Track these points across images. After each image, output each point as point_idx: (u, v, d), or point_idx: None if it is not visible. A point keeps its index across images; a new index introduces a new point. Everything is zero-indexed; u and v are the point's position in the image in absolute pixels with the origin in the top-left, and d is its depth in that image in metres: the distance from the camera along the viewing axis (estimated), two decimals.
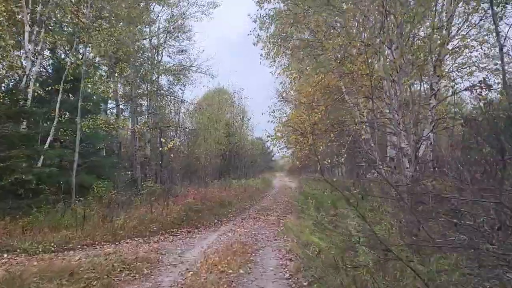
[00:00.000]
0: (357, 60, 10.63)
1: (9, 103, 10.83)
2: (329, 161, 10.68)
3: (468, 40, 11.45)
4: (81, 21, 12.11)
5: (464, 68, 12.54)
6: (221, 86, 27.76)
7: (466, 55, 12.19)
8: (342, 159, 18.37)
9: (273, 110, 13.96)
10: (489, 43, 11.04)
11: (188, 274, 5.58)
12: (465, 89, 11.34)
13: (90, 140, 14.31)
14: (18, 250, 7.35)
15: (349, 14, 9.53)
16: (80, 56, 13.71)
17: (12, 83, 13.02)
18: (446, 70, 12.34)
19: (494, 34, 10.57)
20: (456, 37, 11.94)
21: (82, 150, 15.17)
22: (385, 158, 14.54)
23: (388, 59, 11.00)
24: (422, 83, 12.70)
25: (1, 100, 10.40)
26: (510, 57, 10.15)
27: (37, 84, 13.12)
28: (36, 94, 12.62)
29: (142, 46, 22.37)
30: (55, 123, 12.31)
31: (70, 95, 14.22)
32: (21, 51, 12.39)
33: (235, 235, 9.17)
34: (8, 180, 9.47)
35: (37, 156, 11.87)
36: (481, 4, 9.44)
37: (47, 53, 15.34)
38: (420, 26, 10.38)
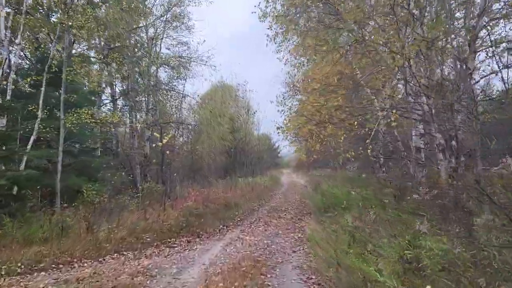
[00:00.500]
0: (380, 35, 8.99)
1: None
2: (352, 153, 9.04)
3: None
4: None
5: (503, 44, 10.78)
6: (224, 79, 26.18)
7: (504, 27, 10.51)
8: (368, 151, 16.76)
9: (283, 97, 12.33)
10: None
11: None
12: (506, 67, 9.68)
13: (78, 137, 12.84)
14: None
15: None
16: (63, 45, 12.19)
17: None
18: (483, 46, 10.66)
19: None
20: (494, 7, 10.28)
21: (70, 149, 13.74)
22: (405, 150, 12.89)
23: (419, 32, 9.33)
24: (456, 62, 11.02)
25: None
26: None
27: (17, 77, 11.66)
28: (17, 87, 11.20)
29: (140, 40, 20.92)
30: (38, 120, 10.80)
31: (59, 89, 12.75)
32: None
33: (244, 246, 7.60)
34: None
35: (17, 158, 10.43)
36: None
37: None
38: None
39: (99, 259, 7.01)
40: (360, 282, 3.80)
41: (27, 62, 14.88)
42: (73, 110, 11.01)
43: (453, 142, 9.91)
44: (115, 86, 21.63)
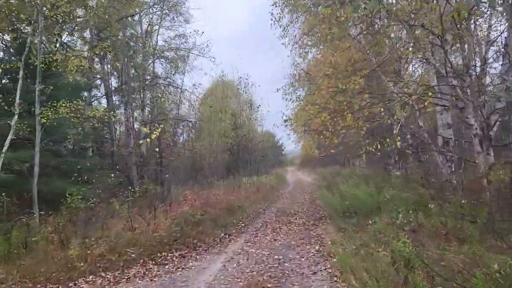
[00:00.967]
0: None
1: None
2: (377, 147, 7.56)
3: None
4: None
5: None
6: (225, 74, 24.69)
7: None
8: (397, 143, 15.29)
9: (291, 83, 10.87)
10: None
11: None
12: None
13: (61, 135, 11.46)
14: None
15: None
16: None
17: None
18: None
19: None
20: None
21: (57, 149, 12.37)
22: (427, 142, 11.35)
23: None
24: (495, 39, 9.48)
25: None
26: None
27: None
28: None
29: (134, 32, 19.55)
30: (15, 117, 9.40)
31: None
32: None
33: (249, 262, 6.15)
34: None
35: None
36: None
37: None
38: None
39: (69, 284, 5.60)
40: None
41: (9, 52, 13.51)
42: (49, 103, 9.60)
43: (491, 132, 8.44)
44: (110, 81, 20.37)
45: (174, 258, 6.89)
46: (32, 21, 9.93)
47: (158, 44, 20.38)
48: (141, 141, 12.89)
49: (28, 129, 9.56)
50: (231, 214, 10.61)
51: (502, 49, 8.47)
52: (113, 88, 20.63)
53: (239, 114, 24.53)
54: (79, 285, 5.59)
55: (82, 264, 6.13)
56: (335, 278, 4.77)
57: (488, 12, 9.33)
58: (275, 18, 10.23)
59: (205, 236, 8.24)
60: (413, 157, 12.84)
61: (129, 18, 17.35)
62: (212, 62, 27.11)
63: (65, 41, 15.53)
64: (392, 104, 7.59)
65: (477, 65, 9.09)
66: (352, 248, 5.59)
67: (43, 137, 9.74)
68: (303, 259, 5.96)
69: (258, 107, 24.99)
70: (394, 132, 7.18)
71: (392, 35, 10.04)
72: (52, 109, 9.41)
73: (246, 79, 25.12)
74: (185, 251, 7.30)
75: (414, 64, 12.89)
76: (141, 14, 18.87)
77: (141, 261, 6.64)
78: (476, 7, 7.14)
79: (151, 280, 5.66)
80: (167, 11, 20.02)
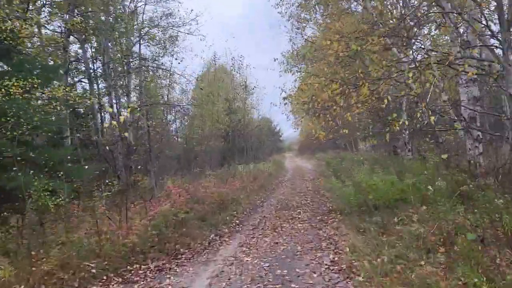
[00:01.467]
0: None
1: None
2: (406, 123, 6.00)
3: None
4: None
5: None
6: (217, 56, 22.85)
7: None
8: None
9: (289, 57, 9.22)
10: None
11: None
12: None
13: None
14: None
15: None
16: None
17: None
18: None
19: None
20: None
21: (24, 139, 10.77)
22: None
23: None
24: None
25: None
26: None
27: None
28: None
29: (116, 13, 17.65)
30: None
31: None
32: None
33: (244, 279, 4.63)
34: None
35: None
36: None
37: None
38: None
39: None
40: None
41: None
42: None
43: None
44: (94, 64, 18.70)
45: (148, 272, 5.37)
46: None
47: (144, 23, 18.49)
48: (107, 123, 11.24)
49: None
50: (224, 209, 9.09)
51: None
52: (98, 73, 19.00)
53: (233, 97, 22.82)
54: None
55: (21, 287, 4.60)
56: None
57: None
58: None
59: (190, 240, 6.72)
60: (430, 138, 11.31)
61: None
62: (202, 41, 25.30)
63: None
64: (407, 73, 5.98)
65: None
66: (382, 260, 4.06)
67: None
68: (315, 275, 4.43)
69: (253, 89, 23.27)
70: (422, 105, 5.61)
71: None
72: (2, 89, 7.74)
73: (240, 60, 23.38)
74: (163, 261, 5.78)
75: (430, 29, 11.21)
76: None
77: (104, 278, 5.11)
78: None
79: None
80: None
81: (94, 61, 18.77)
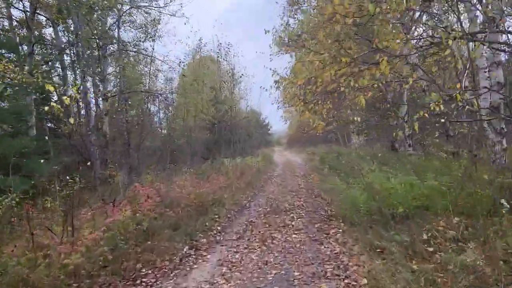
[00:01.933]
0: None
1: None
2: (425, 115, 4.63)
3: None
4: None
5: None
6: (203, 43, 21.16)
7: None
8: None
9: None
10: None
11: None
12: None
13: None
14: None
15: None
16: None
17: None
18: None
19: None
20: None
21: None
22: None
23: None
24: None
25: None
26: None
27: None
28: None
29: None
30: None
31: None
32: None
33: None
34: None
35: None
36: None
37: None
38: None
39: None
40: None
41: None
42: None
43: None
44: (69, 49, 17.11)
45: None
46: None
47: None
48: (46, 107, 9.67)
49: None
50: (203, 213, 7.64)
51: None
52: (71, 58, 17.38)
53: (220, 86, 21.25)
54: None
55: None
56: None
57: None
58: None
59: (157, 256, 5.26)
60: (439, 131, 10.05)
61: None
62: (186, 24, 23.59)
63: None
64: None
65: None
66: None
67: None
68: None
69: (240, 77, 21.71)
70: (431, 95, 4.26)
71: None
72: None
73: (228, 47, 21.76)
74: None
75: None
76: None
77: None
78: None
79: None
80: None
81: (67, 45, 17.12)
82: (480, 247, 3.44)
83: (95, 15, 15.58)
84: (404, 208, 4.84)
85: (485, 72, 7.92)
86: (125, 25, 17.78)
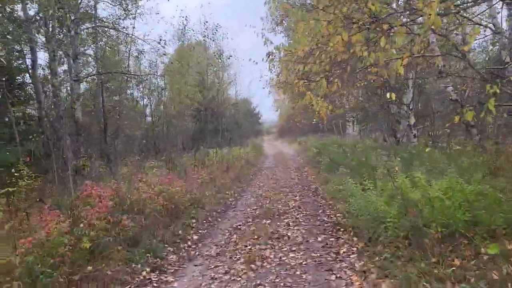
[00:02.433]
0: None
1: None
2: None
3: None
4: None
5: None
6: (190, 22, 19.33)
7: None
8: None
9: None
10: None
11: None
12: None
13: None
14: None
15: None
16: None
17: None
18: None
19: None
20: None
21: None
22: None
23: None
24: None
25: None
26: None
27: None
28: None
29: None
30: None
31: None
32: None
33: None
34: None
35: None
36: None
37: None
38: None
39: None
40: None
41: None
42: None
43: None
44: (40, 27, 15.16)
45: None
46: None
47: None
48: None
49: None
50: (176, 217, 6.09)
51: None
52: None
53: (207, 70, 19.51)
54: None
55: None
56: None
57: None
58: None
59: (99, 284, 3.71)
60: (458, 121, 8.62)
61: None
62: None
63: None
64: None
65: None
66: None
67: None
68: None
69: (229, 58, 19.99)
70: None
71: None
72: None
73: (215, 28, 19.90)
74: None
75: None
76: None
77: None
78: None
79: None
80: None
81: (35, 21, 15.20)
82: None
83: None
84: (454, 225, 3.38)
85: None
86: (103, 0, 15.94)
